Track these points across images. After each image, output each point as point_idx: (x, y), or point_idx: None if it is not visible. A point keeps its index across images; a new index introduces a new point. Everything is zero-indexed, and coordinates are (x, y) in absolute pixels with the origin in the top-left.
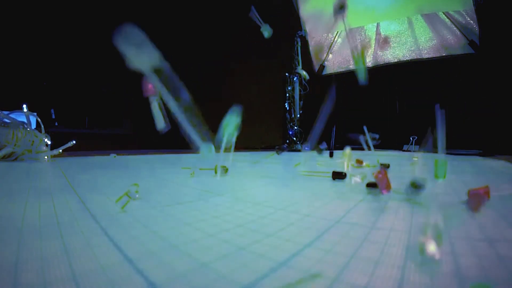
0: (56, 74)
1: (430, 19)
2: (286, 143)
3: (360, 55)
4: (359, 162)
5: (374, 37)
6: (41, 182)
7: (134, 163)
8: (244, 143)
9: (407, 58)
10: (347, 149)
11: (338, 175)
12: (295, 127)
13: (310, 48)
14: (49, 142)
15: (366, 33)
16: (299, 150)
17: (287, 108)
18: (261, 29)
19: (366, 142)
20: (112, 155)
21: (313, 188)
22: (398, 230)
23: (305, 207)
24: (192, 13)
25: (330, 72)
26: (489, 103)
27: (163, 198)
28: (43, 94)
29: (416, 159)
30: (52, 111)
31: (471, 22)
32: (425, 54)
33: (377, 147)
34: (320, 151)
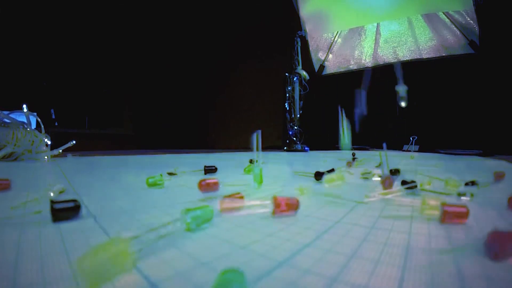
0: (56, 74)
1: (430, 19)
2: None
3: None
4: (349, 164)
5: (374, 37)
6: (40, 182)
7: (133, 163)
8: (245, 143)
9: (407, 58)
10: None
11: (322, 176)
12: (295, 127)
13: (310, 48)
14: (49, 142)
15: (366, 33)
16: (299, 150)
17: (287, 108)
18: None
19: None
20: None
21: (312, 189)
22: (398, 230)
23: (305, 208)
24: (194, 14)
25: (330, 72)
26: (489, 103)
27: (166, 197)
28: (43, 94)
29: (412, 158)
30: (52, 111)
31: (471, 22)
32: (425, 54)
33: (377, 147)
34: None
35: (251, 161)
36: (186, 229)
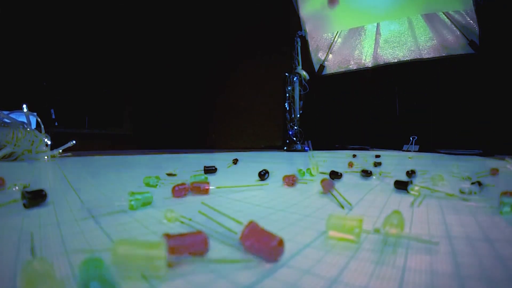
0: (56, 74)
1: (430, 19)
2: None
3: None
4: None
5: (374, 37)
6: (40, 182)
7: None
8: (244, 143)
9: (407, 58)
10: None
11: (261, 177)
12: (295, 127)
13: (310, 48)
14: (49, 142)
15: (366, 33)
16: (299, 150)
17: (287, 108)
18: None
19: None
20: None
21: (312, 189)
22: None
23: (305, 208)
24: (194, 14)
25: (330, 72)
26: (489, 103)
27: (163, 196)
28: (43, 94)
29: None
30: (52, 111)
31: (471, 22)
32: (425, 54)
33: (377, 147)
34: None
35: (234, 161)
36: (130, 208)
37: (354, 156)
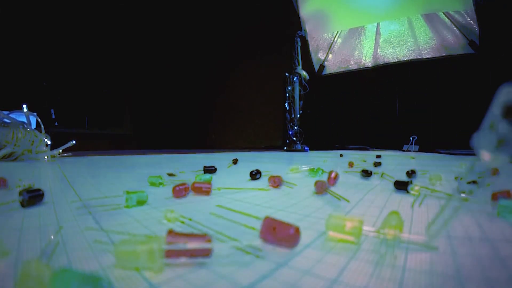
0: (56, 74)
1: (430, 19)
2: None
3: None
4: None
5: (374, 37)
6: (40, 182)
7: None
8: (244, 143)
9: (407, 58)
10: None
11: (253, 177)
12: (295, 127)
13: (310, 48)
14: (49, 142)
15: (366, 33)
16: (299, 150)
17: (287, 108)
18: None
19: None
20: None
21: (312, 189)
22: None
23: (304, 208)
24: (194, 14)
25: (330, 72)
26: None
27: (164, 196)
28: (43, 94)
29: (413, 158)
30: (52, 111)
31: (471, 22)
32: (425, 54)
33: (377, 147)
34: None
35: (233, 161)
36: (125, 206)
37: (341, 155)
